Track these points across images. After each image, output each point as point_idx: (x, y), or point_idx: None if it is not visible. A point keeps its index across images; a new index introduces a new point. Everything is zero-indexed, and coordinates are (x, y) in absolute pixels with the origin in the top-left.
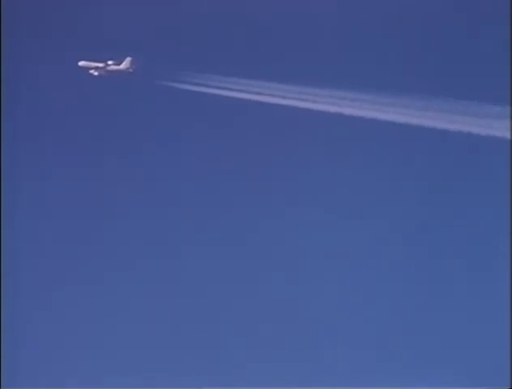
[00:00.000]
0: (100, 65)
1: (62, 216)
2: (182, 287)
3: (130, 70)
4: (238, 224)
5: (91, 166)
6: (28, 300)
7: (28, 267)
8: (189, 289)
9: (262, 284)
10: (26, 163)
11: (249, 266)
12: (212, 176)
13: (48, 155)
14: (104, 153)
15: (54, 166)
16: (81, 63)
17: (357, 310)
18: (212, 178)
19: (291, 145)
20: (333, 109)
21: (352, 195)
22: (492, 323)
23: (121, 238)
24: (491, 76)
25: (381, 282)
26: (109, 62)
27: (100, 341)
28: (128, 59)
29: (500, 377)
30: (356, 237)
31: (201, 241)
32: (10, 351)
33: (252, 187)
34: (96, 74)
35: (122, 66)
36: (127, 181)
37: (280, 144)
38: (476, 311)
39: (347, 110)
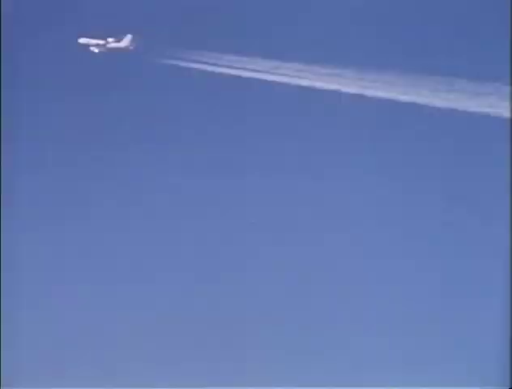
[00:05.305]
0: (101, 42)
1: (63, 198)
2: (182, 286)
3: (131, 48)
4: (236, 213)
5: (91, 146)
6: (28, 299)
7: (28, 267)
8: (189, 289)
9: (263, 284)
10: (26, 139)
11: (249, 265)
12: (211, 153)
13: (46, 132)
14: (104, 132)
15: (53, 141)
16: (81, 40)
17: (357, 309)
18: (211, 155)
19: (290, 122)
20: (333, 86)
21: (347, 179)
22: (492, 323)
23: (121, 237)
24: (491, 53)
25: (380, 281)
26: (109, 40)
27: (100, 341)
28: (128, 37)
29: (500, 377)
30: (353, 233)
31: (201, 237)
32: (10, 351)
33: (253, 171)
34: (96, 51)
35: (122, 44)
36: (127, 160)
37: (281, 122)
38: (476, 311)
39: (347, 88)
